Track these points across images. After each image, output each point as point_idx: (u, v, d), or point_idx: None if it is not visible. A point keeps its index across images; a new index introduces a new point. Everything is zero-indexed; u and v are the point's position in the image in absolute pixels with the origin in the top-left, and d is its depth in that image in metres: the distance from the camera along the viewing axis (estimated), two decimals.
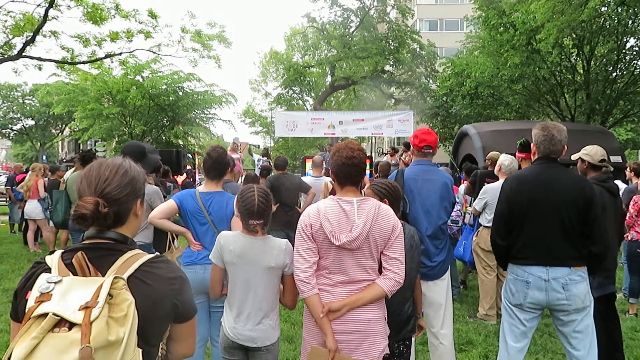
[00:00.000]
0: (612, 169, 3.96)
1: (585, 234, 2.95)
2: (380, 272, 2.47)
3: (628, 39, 14.03)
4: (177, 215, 3.49)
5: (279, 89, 31.21)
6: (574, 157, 3.97)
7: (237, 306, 2.57)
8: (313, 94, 31.87)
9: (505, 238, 3.11)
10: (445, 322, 3.57)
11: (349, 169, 2.46)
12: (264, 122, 36.37)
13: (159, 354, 1.43)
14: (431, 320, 3.58)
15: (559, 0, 10.83)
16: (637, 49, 14.30)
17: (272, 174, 7.48)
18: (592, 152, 3.89)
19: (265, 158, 13.13)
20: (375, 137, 21.60)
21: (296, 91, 31.38)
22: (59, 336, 1.16)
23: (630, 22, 13.20)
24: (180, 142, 20.34)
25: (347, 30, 25.02)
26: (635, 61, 14.46)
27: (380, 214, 2.41)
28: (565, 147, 3.07)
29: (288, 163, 7.33)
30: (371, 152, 20.03)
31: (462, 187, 6.64)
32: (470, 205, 6.28)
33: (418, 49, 25.13)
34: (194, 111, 20.33)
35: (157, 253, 1.56)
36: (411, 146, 3.80)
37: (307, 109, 30.10)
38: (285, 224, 6.05)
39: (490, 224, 4.30)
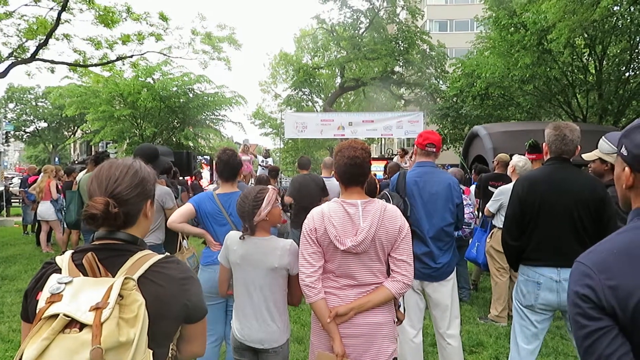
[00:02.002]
0: None
1: (599, 235, 2.90)
2: (388, 274, 2.42)
3: None
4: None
5: (288, 91, 31.28)
6: (586, 156, 3.90)
7: (243, 307, 2.56)
8: (323, 96, 31.88)
9: (516, 239, 3.08)
10: (452, 323, 3.54)
11: (352, 169, 2.40)
12: (274, 123, 36.47)
13: (170, 355, 1.43)
14: (438, 321, 3.56)
15: (571, 0, 10.72)
16: None
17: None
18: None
19: (266, 158, 13.09)
20: (385, 139, 21.54)
21: (306, 92, 31.41)
22: (70, 337, 1.15)
23: None
24: (191, 143, 20.43)
25: (356, 31, 25.00)
26: None
27: (386, 215, 2.36)
28: (579, 147, 3.03)
29: (311, 162, 7.32)
30: (381, 153, 19.96)
31: (474, 188, 6.59)
32: (479, 208, 6.25)
33: (428, 50, 25.09)
34: (204, 113, 20.42)
35: (168, 253, 1.56)
36: (415, 146, 3.76)
37: (317, 111, 30.09)
38: None
39: None
